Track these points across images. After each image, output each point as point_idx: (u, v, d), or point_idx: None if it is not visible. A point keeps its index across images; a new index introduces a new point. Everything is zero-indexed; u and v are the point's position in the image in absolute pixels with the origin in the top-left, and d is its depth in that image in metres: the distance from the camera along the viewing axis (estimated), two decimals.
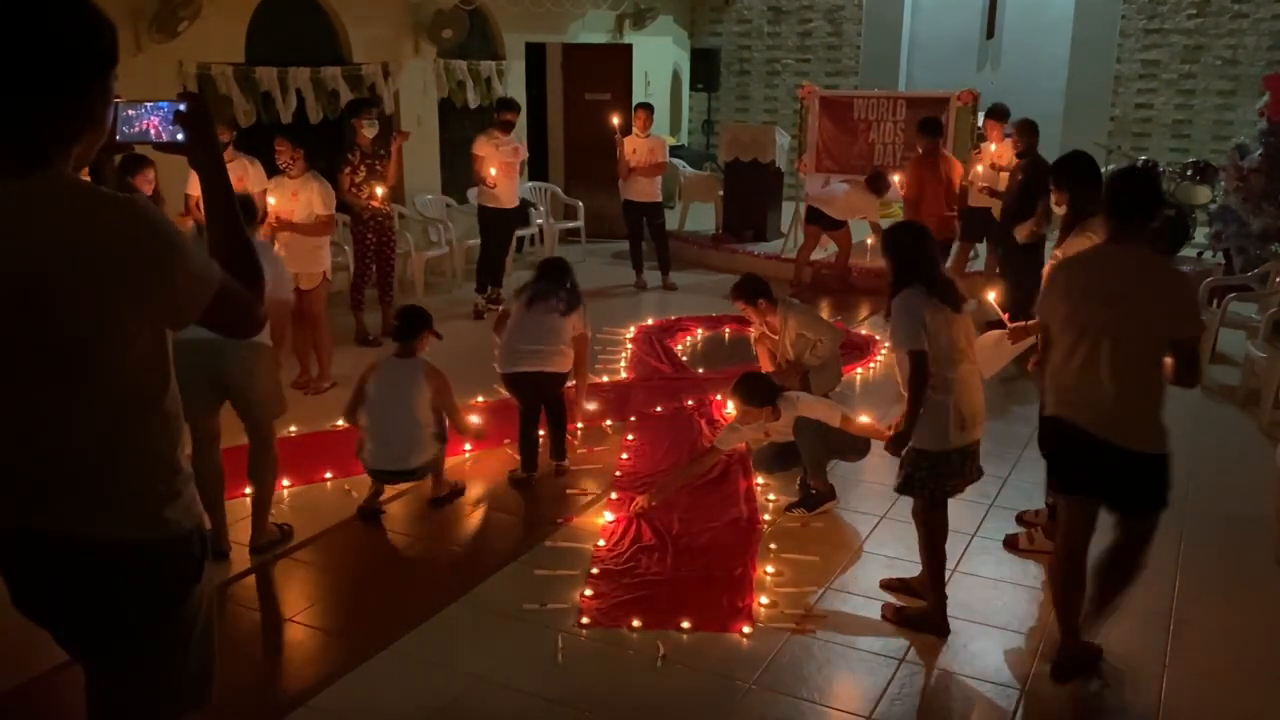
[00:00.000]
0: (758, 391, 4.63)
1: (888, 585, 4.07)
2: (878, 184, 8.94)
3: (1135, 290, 3.22)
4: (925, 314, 3.53)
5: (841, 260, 9.44)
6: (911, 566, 4.25)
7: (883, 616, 3.84)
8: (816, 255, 10.08)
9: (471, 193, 9.18)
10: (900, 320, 3.58)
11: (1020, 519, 4.65)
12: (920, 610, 3.80)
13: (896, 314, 3.61)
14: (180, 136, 1.85)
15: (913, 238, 3.78)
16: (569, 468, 5.29)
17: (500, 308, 8.56)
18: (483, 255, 8.55)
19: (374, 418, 4.71)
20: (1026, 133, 7.50)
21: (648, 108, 9.49)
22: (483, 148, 8.24)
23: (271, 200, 6.31)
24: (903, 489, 3.75)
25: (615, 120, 9.30)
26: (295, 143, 6.46)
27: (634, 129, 9.31)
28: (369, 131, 7.15)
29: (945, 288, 3.63)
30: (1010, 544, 4.42)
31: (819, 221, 9.11)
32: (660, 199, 9.57)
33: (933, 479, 3.65)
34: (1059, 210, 4.28)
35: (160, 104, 1.86)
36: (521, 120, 9.60)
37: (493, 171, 8.17)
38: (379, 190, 7.20)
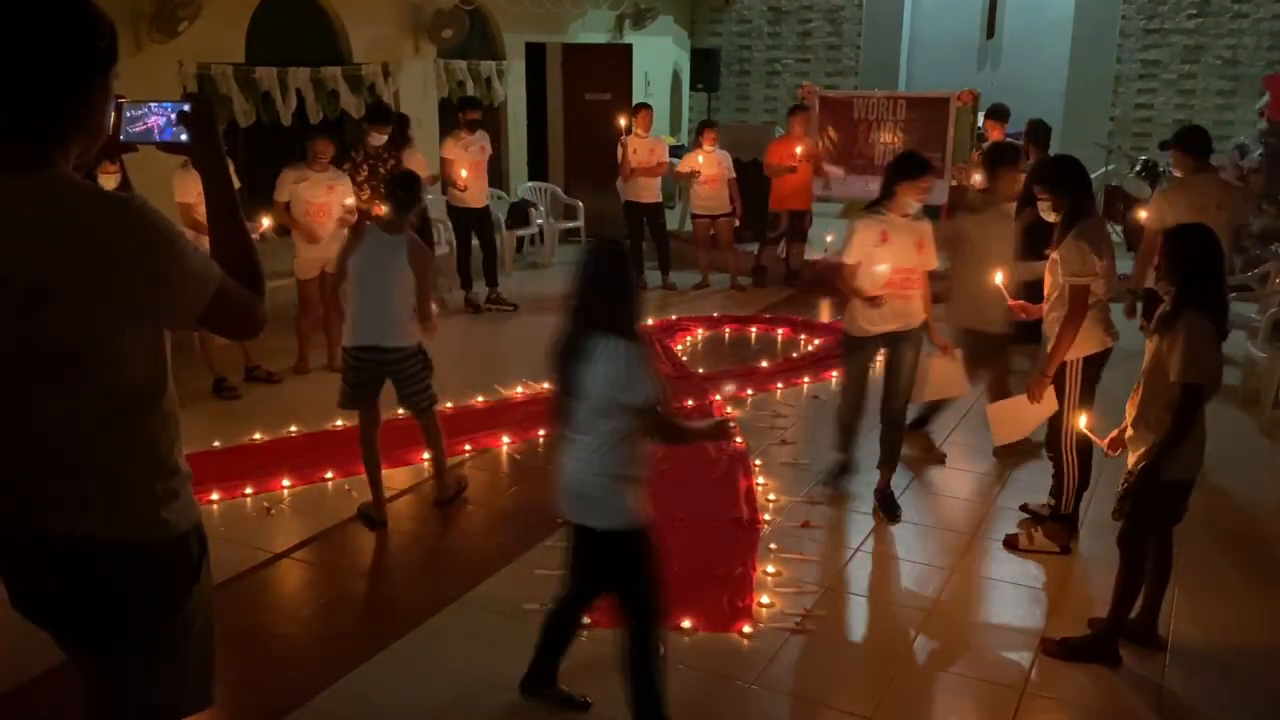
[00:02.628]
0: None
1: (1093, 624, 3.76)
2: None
3: (1227, 198, 5.38)
4: (1211, 344, 3.29)
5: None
6: (911, 566, 4.26)
7: (1044, 650, 3.62)
8: (816, 255, 10.08)
9: (428, 195, 9.20)
10: (1199, 349, 3.27)
11: (1024, 508, 4.66)
12: (1084, 640, 3.62)
13: (1194, 340, 3.28)
14: (184, 137, 1.86)
15: (1203, 246, 3.41)
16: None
17: (499, 307, 8.63)
18: (458, 255, 8.61)
19: (357, 293, 4.47)
20: (1035, 137, 7.36)
21: (648, 108, 9.49)
22: (451, 150, 8.19)
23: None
24: (1133, 522, 3.51)
25: (622, 121, 9.31)
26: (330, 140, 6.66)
27: (634, 129, 9.32)
28: (375, 141, 7.21)
29: (1223, 313, 3.41)
30: (1010, 544, 4.41)
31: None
32: (660, 199, 9.57)
33: (1174, 509, 3.47)
34: (1051, 216, 4.20)
35: (164, 104, 1.86)
36: (521, 120, 9.62)
37: (463, 174, 8.13)
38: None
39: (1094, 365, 4.24)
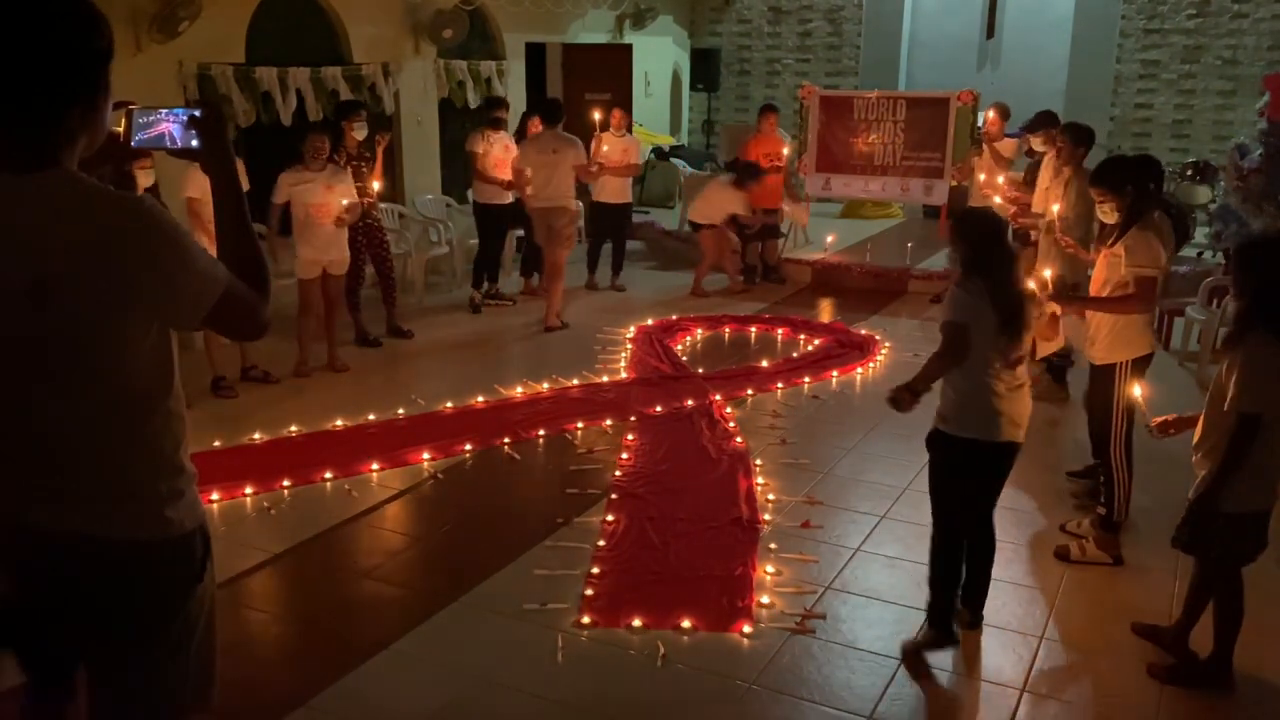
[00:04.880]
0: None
1: (1138, 630, 3.75)
2: (745, 173, 8.97)
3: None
4: (1273, 367, 3.07)
5: (702, 267, 9.22)
6: (911, 566, 4.25)
7: (1150, 674, 3.51)
8: (816, 255, 10.09)
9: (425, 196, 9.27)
10: (1259, 375, 3.07)
11: (1063, 529, 4.57)
12: (1196, 668, 3.49)
13: (1254, 366, 3.08)
14: (195, 142, 1.88)
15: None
16: None
17: (498, 302, 8.65)
18: (481, 251, 8.59)
19: None
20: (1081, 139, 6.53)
21: (622, 106, 9.45)
22: (483, 144, 8.21)
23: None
24: (1192, 548, 3.43)
25: (596, 116, 9.25)
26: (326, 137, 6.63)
27: (610, 127, 9.24)
28: (358, 134, 7.16)
29: None
30: (1060, 555, 4.33)
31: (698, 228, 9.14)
32: (630, 200, 9.52)
33: (1239, 541, 3.31)
34: (1112, 217, 4.18)
35: (175, 110, 1.89)
36: (519, 120, 9.59)
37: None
38: (375, 185, 7.22)
39: (1141, 367, 4.23)
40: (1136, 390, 3.80)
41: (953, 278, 3.59)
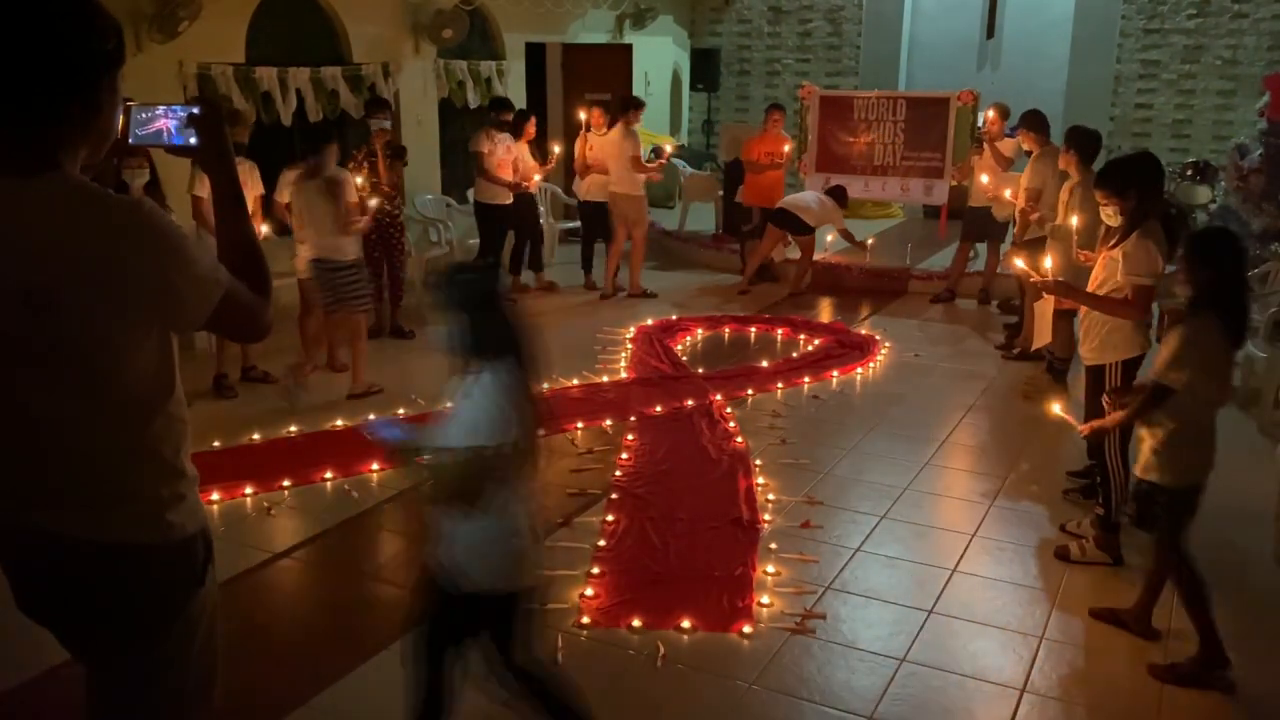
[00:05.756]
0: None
1: (1096, 614, 3.85)
2: (841, 197, 9.18)
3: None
4: (1211, 351, 3.31)
5: (804, 263, 9.38)
6: (911, 566, 4.26)
7: (1151, 674, 3.51)
8: (816, 255, 10.09)
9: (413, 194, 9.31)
10: (1186, 355, 3.32)
11: (1063, 529, 4.58)
12: (1192, 665, 3.48)
13: (1186, 345, 3.33)
14: (193, 140, 1.86)
15: (1226, 249, 3.42)
16: None
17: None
18: (481, 251, 8.61)
19: None
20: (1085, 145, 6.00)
21: (604, 105, 9.45)
22: (487, 144, 8.26)
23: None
24: (1140, 523, 3.58)
25: (582, 115, 9.27)
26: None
27: (591, 126, 9.22)
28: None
29: (1241, 319, 3.37)
30: (1060, 555, 4.33)
31: (787, 225, 9.09)
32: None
33: (1182, 515, 3.43)
34: (1115, 220, 4.18)
35: (174, 107, 1.87)
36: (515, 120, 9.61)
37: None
38: (358, 180, 7.20)
39: (1131, 368, 4.24)
40: (1056, 408, 4.02)
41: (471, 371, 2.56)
